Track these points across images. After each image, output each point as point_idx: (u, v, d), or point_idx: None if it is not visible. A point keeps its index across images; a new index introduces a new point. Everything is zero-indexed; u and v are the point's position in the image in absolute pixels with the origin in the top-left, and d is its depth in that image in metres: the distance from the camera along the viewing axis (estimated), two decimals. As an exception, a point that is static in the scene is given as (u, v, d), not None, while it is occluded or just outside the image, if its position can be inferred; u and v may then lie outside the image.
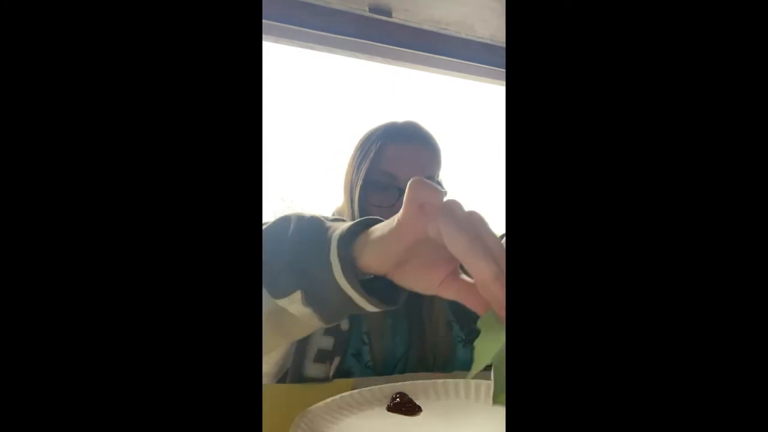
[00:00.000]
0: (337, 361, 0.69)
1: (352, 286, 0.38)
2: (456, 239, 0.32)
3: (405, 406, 0.49)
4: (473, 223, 0.33)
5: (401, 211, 0.36)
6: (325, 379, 0.68)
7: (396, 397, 0.50)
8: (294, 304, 0.41)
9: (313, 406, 0.46)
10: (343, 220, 0.45)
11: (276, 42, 1.31)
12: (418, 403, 0.50)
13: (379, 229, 0.38)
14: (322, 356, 0.69)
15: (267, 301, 0.43)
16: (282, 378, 0.71)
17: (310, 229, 0.43)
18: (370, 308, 0.39)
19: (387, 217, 0.68)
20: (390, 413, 0.48)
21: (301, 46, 1.35)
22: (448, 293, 0.37)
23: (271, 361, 0.71)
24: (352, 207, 0.77)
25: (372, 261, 0.38)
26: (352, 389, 0.52)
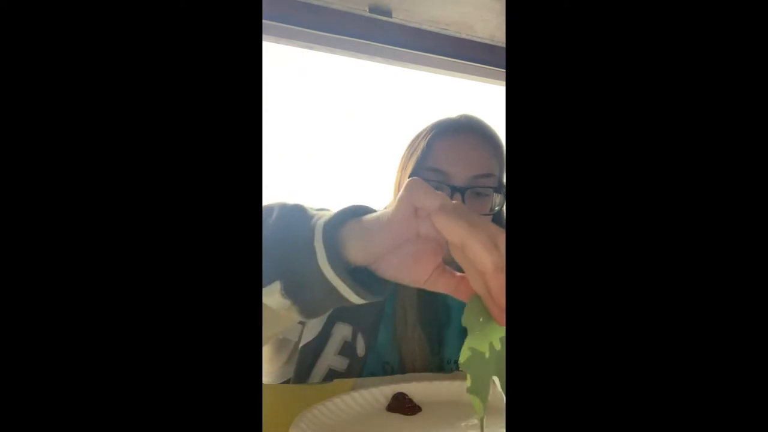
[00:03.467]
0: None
1: (338, 275, 0.35)
2: (454, 229, 0.31)
3: (405, 405, 0.49)
4: (467, 213, 0.33)
5: (394, 208, 0.35)
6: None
7: (396, 397, 0.50)
8: (272, 296, 0.38)
9: (313, 406, 0.46)
10: (328, 210, 0.43)
11: (276, 42, 1.31)
12: (417, 402, 0.50)
13: (369, 221, 0.37)
14: (333, 376, 0.65)
15: None
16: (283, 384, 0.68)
17: (292, 216, 0.40)
18: (355, 299, 0.37)
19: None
20: (390, 413, 0.48)
21: (301, 46, 1.35)
22: (437, 287, 0.37)
23: (268, 370, 0.69)
24: None
25: (358, 252, 0.36)
26: (353, 389, 0.52)
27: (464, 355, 0.33)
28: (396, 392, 0.51)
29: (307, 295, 0.37)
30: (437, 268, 0.37)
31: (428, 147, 0.70)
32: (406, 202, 0.34)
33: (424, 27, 1.41)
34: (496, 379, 0.34)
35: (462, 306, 0.34)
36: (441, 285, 0.37)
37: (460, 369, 0.34)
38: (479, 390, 0.34)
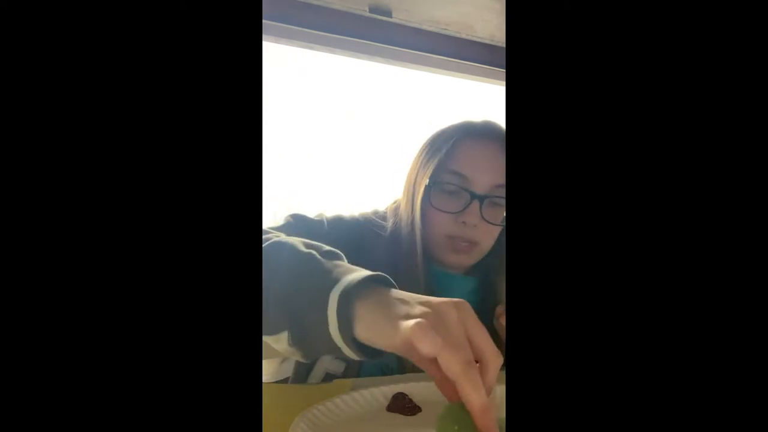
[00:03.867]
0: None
1: (345, 343, 0.38)
2: (449, 364, 0.32)
3: (405, 405, 0.49)
4: (464, 342, 0.34)
5: (401, 341, 0.35)
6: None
7: (396, 397, 0.50)
8: (279, 343, 0.41)
9: (313, 406, 0.46)
10: (340, 257, 0.44)
11: (276, 42, 1.31)
12: (417, 403, 0.50)
13: (380, 310, 0.37)
14: (332, 379, 0.66)
15: None
16: (282, 382, 0.70)
17: (305, 268, 0.42)
18: (355, 358, 0.39)
19: (451, 226, 0.66)
20: (390, 413, 0.48)
21: (301, 46, 1.35)
22: (432, 374, 0.37)
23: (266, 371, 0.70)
24: (412, 208, 0.69)
25: (364, 336, 0.37)
26: (353, 390, 0.52)
27: None
28: (396, 392, 0.51)
29: (312, 348, 0.41)
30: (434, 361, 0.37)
31: (452, 148, 0.68)
32: (410, 347, 0.34)
33: (424, 27, 1.41)
34: None
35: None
36: (436, 379, 0.38)
37: None
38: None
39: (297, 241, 0.45)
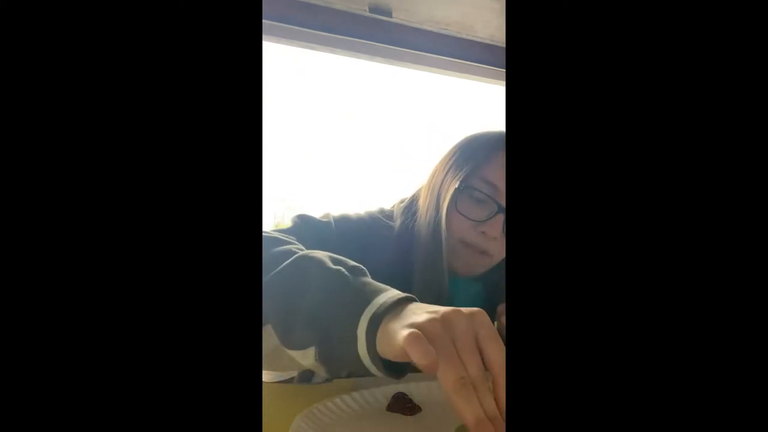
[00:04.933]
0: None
1: (373, 362, 0.38)
2: (442, 379, 0.32)
3: (405, 405, 0.49)
4: (468, 354, 0.33)
5: (399, 349, 0.34)
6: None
7: (396, 397, 0.50)
8: (306, 359, 0.42)
9: (313, 406, 0.46)
10: (365, 273, 0.44)
11: (276, 42, 1.31)
12: (417, 403, 0.50)
13: (393, 333, 0.36)
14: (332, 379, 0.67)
15: (271, 340, 0.43)
16: (288, 381, 0.70)
17: (332, 285, 0.42)
18: (381, 376, 0.40)
19: (469, 233, 0.66)
20: (390, 413, 0.48)
21: (301, 46, 1.35)
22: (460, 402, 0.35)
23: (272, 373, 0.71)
24: (437, 208, 0.67)
25: (381, 352, 0.37)
26: (353, 389, 0.52)
27: None
28: (396, 392, 0.51)
29: (338, 365, 0.41)
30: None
31: (492, 156, 0.67)
32: (405, 355, 0.33)
33: (424, 27, 1.41)
34: None
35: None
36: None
37: None
38: None
39: (324, 257, 0.46)
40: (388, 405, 0.49)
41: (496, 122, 0.77)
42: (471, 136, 0.72)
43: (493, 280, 0.72)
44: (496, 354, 0.34)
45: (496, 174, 0.66)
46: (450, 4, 1.31)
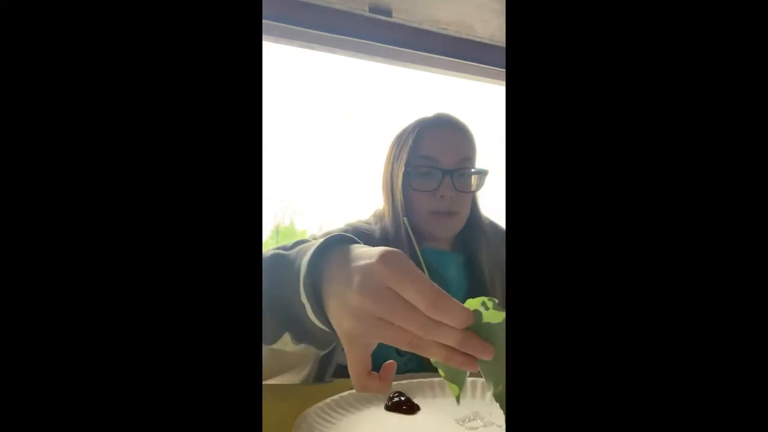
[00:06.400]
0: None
1: (327, 327, 0.38)
2: (420, 296, 0.31)
3: (404, 405, 0.49)
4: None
5: (362, 276, 0.33)
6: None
7: (394, 396, 0.50)
8: (287, 345, 0.43)
9: (313, 406, 0.46)
10: (304, 241, 0.44)
11: (276, 42, 1.31)
12: (416, 401, 0.50)
13: (342, 273, 0.35)
14: (344, 371, 0.68)
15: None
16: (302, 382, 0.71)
17: (273, 267, 0.43)
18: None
19: (431, 202, 0.76)
20: (389, 412, 0.48)
21: (301, 46, 1.35)
22: (430, 354, 0.35)
23: (296, 376, 0.71)
24: (393, 199, 0.80)
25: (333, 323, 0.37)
26: (353, 389, 0.52)
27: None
28: (395, 392, 0.51)
29: (312, 338, 0.42)
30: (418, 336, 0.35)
31: (417, 138, 0.81)
32: (380, 277, 0.33)
33: (424, 27, 1.41)
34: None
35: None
36: (435, 353, 0.36)
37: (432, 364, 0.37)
38: (455, 378, 0.38)
39: (273, 249, 0.46)
40: (387, 404, 0.49)
41: (496, 122, 0.81)
42: (396, 134, 0.86)
43: (474, 247, 0.84)
44: (414, 292, 0.32)
45: (430, 147, 0.80)
46: (450, 4, 1.31)
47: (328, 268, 0.37)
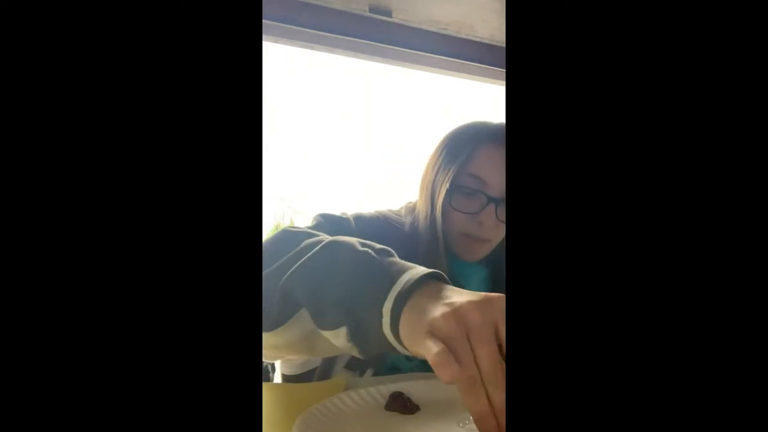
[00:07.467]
0: (369, 372, 0.69)
1: (398, 341, 0.39)
2: (448, 372, 0.32)
3: (403, 404, 0.49)
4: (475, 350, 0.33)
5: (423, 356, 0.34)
6: None
7: (394, 396, 0.50)
8: (338, 339, 0.43)
9: (313, 406, 0.46)
10: (393, 254, 0.45)
11: (276, 42, 1.31)
12: (416, 401, 0.50)
13: (414, 328, 0.36)
14: (354, 365, 0.69)
15: (307, 323, 0.44)
16: (309, 373, 0.71)
17: (360, 266, 0.43)
18: (409, 354, 0.40)
19: (467, 225, 0.72)
20: (388, 412, 0.48)
21: (301, 46, 1.35)
22: (473, 399, 0.35)
23: (309, 365, 0.72)
24: (432, 207, 0.74)
25: (403, 340, 0.38)
26: (353, 389, 0.52)
27: None
28: (394, 391, 0.51)
29: (368, 344, 0.42)
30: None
31: (473, 153, 0.73)
32: (492, 311, 0.34)
33: (424, 27, 1.41)
34: None
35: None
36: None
37: None
38: None
39: (353, 241, 0.47)
40: (387, 404, 0.49)
41: (496, 122, 0.79)
42: (454, 131, 0.78)
43: (499, 262, 0.79)
44: (485, 358, 0.33)
45: (481, 167, 0.72)
46: (450, 4, 1.31)
47: (419, 297, 0.38)
